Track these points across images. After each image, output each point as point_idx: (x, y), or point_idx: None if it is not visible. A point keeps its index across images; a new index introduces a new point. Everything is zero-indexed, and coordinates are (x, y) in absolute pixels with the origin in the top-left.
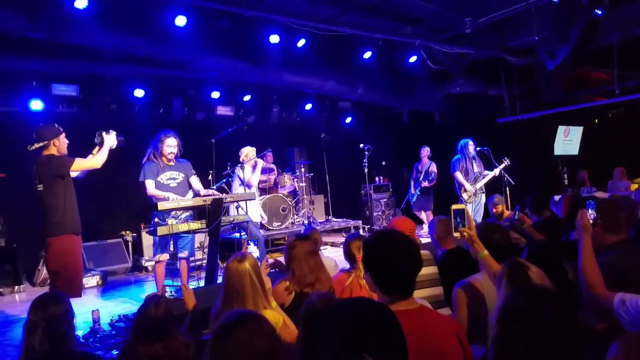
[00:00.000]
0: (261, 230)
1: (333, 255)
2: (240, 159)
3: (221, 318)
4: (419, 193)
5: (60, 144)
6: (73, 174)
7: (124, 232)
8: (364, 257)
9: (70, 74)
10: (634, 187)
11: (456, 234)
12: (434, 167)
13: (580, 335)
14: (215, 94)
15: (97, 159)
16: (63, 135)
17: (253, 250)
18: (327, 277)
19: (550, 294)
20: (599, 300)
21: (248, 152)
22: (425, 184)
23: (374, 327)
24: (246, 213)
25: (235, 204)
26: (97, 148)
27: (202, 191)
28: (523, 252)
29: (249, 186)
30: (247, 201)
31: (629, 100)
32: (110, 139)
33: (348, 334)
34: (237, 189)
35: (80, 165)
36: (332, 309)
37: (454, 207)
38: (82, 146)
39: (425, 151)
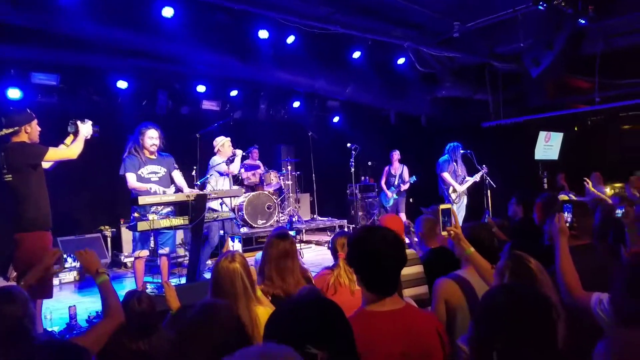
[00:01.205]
0: (244, 228)
1: (317, 254)
2: (215, 150)
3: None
4: (396, 197)
5: (32, 131)
6: (45, 165)
7: (103, 227)
8: (348, 254)
9: (51, 63)
10: (609, 192)
11: (444, 233)
12: (407, 170)
13: (556, 336)
14: (201, 88)
15: (73, 149)
16: (35, 121)
17: (236, 246)
18: (295, 282)
19: (530, 293)
20: (577, 300)
21: (224, 142)
22: (406, 187)
23: (317, 320)
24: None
25: (220, 200)
26: (70, 137)
27: (186, 189)
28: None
29: (226, 175)
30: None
31: (608, 109)
32: (86, 129)
33: (291, 327)
34: (214, 181)
35: (54, 155)
36: (280, 304)
37: (442, 207)
38: (62, 137)
39: (396, 155)
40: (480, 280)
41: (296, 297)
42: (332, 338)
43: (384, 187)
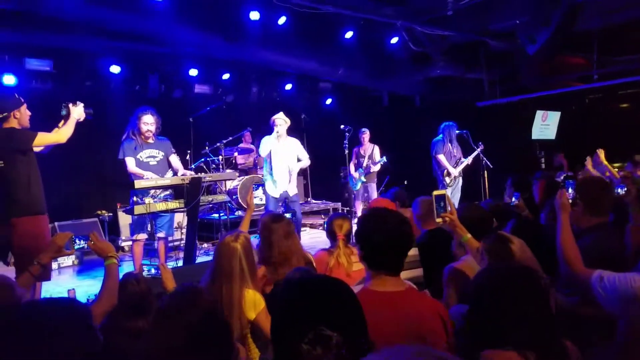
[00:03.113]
0: (239, 212)
1: (311, 237)
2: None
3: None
4: (364, 180)
5: (21, 116)
6: (36, 149)
7: (100, 212)
8: (357, 231)
9: (44, 48)
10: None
11: (438, 220)
12: (378, 150)
13: (549, 312)
14: (193, 72)
15: (62, 133)
16: (24, 106)
17: (258, 194)
18: (298, 261)
19: (518, 272)
20: (577, 276)
21: (274, 119)
22: (376, 168)
23: (333, 300)
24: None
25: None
26: (62, 121)
27: (181, 171)
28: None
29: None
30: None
31: (606, 86)
32: (77, 111)
33: (305, 306)
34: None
35: (43, 140)
36: (289, 284)
37: (435, 193)
38: (56, 123)
39: (366, 135)
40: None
41: (304, 276)
42: (347, 320)
43: (352, 169)
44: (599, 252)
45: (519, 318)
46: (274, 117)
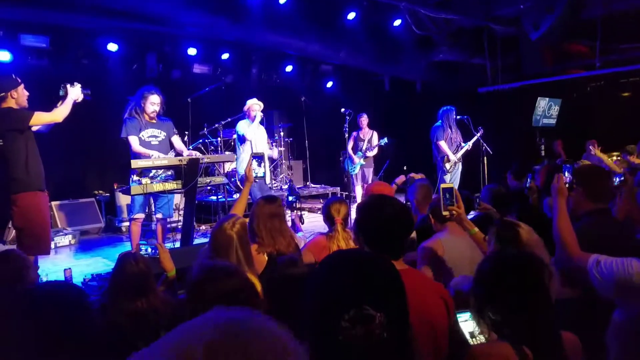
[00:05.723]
0: (237, 195)
1: (309, 221)
2: (244, 109)
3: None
4: (362, 162)
5: (19, 96)
6: (34, 128)
7: (96, 192)
8: (358, 219)
9: (40, 24)
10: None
11: (445, 213)
12: (376, 136)
13: (548, 305)
14: (192, 51)
15: (57, 113)
16: (22, 86)
17: (254, 167)
18: (287, 243)
19: (520, 260)
20: (574, 259)
21: (251, 105)
22: (373, 152)
23: (380, 279)
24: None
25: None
26: (60, 102)
27: (185, 152)
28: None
29: (245, 140)
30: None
31: (608, 74)
32: (75, 92)
33: (350, 283)
34: (240, 148)
35: (39, 119)
36: (323, 262)
37: (443, 185)
38: (52, 100)
39: (365, 119)
40: (455, 241)
41: (343, 253)
42: (392, 302)
43: (351, 152)
44: (596, 235)
45: (517, 309)
46: (252, 102)
